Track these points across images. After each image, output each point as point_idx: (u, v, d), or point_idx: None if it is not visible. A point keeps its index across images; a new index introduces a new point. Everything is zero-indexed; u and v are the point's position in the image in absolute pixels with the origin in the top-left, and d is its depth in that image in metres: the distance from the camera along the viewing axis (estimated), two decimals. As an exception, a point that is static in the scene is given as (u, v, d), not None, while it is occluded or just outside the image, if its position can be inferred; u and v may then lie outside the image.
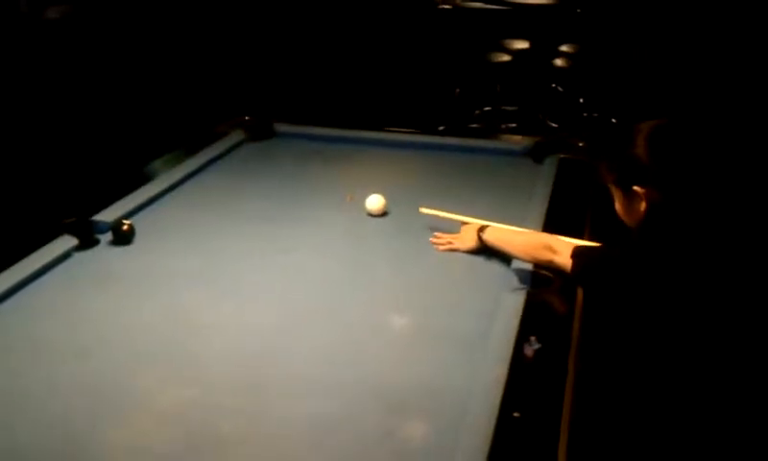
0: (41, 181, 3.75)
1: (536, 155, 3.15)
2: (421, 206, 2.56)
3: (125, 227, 2.43)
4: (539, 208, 2.57)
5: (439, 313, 2.08)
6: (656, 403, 1.71)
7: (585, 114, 4.96)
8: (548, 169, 2.96)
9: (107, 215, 2.51)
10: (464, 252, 2.37)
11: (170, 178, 2.88)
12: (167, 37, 4.84)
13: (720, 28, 4.57)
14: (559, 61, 5.23)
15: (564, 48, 5.25)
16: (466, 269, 2.31)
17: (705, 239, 1.72)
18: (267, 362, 1.86)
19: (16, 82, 4.03)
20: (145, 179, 2.86)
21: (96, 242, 2.40)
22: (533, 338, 1.82)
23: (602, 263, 1.87)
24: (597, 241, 2.04)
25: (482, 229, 2.34)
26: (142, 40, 4.72)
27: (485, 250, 2.33)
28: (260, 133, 3.44)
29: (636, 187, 1.74)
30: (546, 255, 2.05)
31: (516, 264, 2.19)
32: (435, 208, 2.53)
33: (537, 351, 1.79)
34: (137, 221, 2.50)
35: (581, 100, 5.03)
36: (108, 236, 2.42)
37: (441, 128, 3.76)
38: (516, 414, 1.58)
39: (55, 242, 2.32)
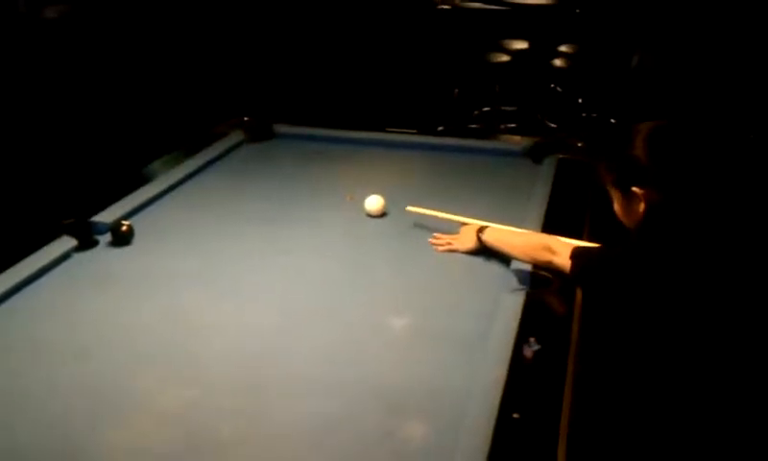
0: (40, 182, 3.75)
1: (535, 155, 3.16)
2: (410, 205, 2.57)
3: (124, 228, 2.43)
4: (538, 209, 2.57)
5: (438, 314, 2.08)
6: (655, 404, 1.72)
7: (584, 115, 4.96)
8: (547, 169, 2.97)
9: (106, 216, 2.51)
10: (463, 252, 2.37)
11: (169, 179, 2.88)
12: (166, 38, 4.84)
13: (718, 28, 4.57)
14: (558, 62, 5.24)
15: (563, 48, 5.25)
16: (465, 270, 2.31)
17: (703, 240, 1.72)
18: (267, 363, 1.86)
19: (15, 82, 4.02)
20: (144, 179, 2.86)
21: (95, 243, 2.40)
22: (532, 339, 1.82)
23: (601, 264, 1.88)
24: (596, 242, 2.04)
25: (481, 229, 2.35)
26: (141, 41, 4.71)
27: (484, 250, 2.33)
28: (260, 133, 3.44)
29: (634, 188, 1.74)
30: (545, 256, 2.06)
31: (515, 265, 2.20)
32: (435, 209, 2.53)
33: (536, 352, 1.79)
34: (136, 222, 2.50)
35: (580, 100, 5.03)
36: (107, 237, 2.42)
37: (440, 128, 3.77)
38: (515, 415, 1.58)
39: (54, 243, 2.32)
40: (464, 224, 2.44)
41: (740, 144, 4.09)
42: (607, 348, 1.85)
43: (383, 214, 2.64)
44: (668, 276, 1.70)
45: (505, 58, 5.25)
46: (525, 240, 2.19)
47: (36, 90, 4.12)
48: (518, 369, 1.73)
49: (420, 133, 3.49)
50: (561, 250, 2.01)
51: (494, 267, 2.28)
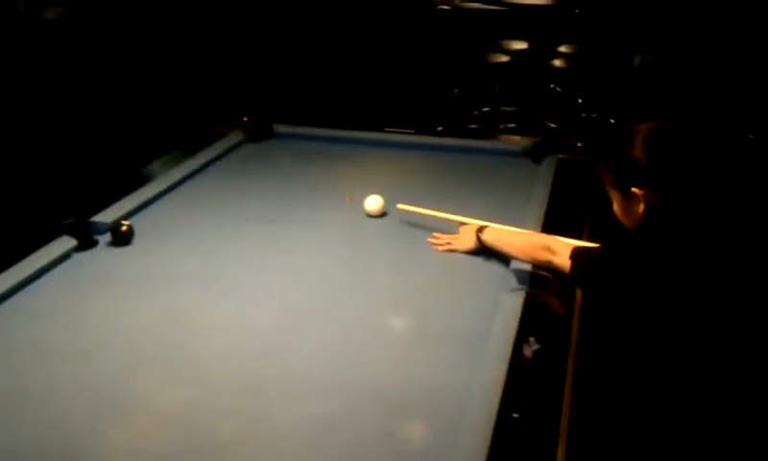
0: (40, 183, 3.75)
1: (534, 155, 3.16)
2: (401, 204, 2.58)
3: (124, 228, 2.43)
4: (537, 209, 2.57)
5: (438, 314, 2.08)
6: (655, 404, 1.72)
7: (583, 115, 4.97)
8: (547, 169, 2.97)
9: (105, 216, 2.51)
10: (462, 252, 2.37)
11: (169, 179, 2.88)
12: (165, 38, 4.84)
13: (717, 29, 4.58)
14: (557, 62, 5.24)
15: (562, 49, 5.26)
16: (464, 270, 2.31)
17: (703, 241, 1.72)
18: (267, 363, 1.86)
19: (14, 83, 4.02)
20: (144, 179, 2.86)
21: (95, 243, 2.40)
22: (532, 339, 1.82)
23: (601, 264, 1.88)
24: (596, 242, 2.05)
25: (481, 229, 2.35)
26: (140, 41, 4.72)
27: (484, 250, 2.34)
28: (259, 133, 3.44)
29: (634, 189, 1.74)
30: (545, 256, 2.06)
31: (514, 265, 2.20)
32: (434, 209, 2.54)
33: (536, 352, 1.79)
34: (136, 222, 2.50)
35: (579, 100, 5.03)
36: (106, 237, 2.42)
37: (439, 128, 3.77)
38: (515, 415, 1.58)
39: (54, 243, 2.32)
40: (461, 223, 2.44)
41: (740, 144, 4.09)
42: (606, 348, 1.85)
43: (382, 214, 2.64)
44: (667, 276, 1.70)
45: (504, 58, 5.25)
46: (525, 240, 2.19)
47: (35, 91, 4.12)
48: (518, 369, 1.73)
49: (420, 133, 3.49)
50: (560, 250, 2.01)
51: (494, 267, 2.28)
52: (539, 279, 2.10)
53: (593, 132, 4.55)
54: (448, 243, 2.41)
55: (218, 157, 3.18)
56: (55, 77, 4.23)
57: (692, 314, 1.69)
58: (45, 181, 3.76)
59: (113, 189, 2.71)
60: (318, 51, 5.33)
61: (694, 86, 4.52)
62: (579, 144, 3.23)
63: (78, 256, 2.33)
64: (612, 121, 4.74)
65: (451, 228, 2.47)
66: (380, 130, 3.50)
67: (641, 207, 1.75)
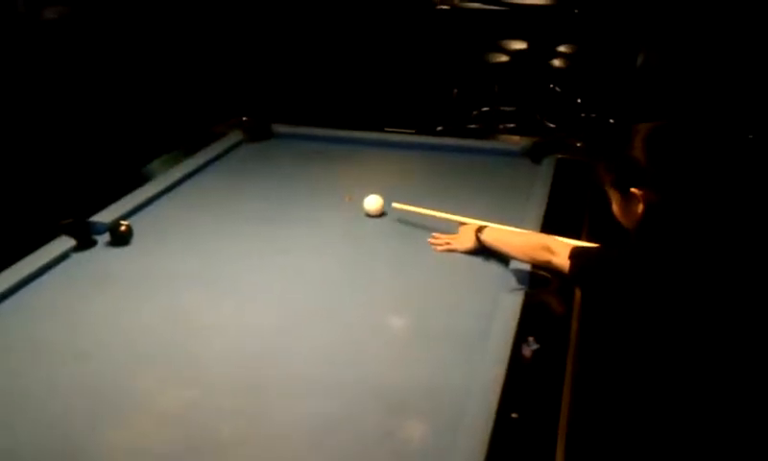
0: (39, 182, 3.74)
1: (534, 155, 3.16)
2: (396, 202, 2.59)
3: (122, 228, 2.43)
4: (536, 209, 2.57)
5: (437, 314, 2.08)
6: (654, 404, 1.72)
7: (582, 115, 4.97)
8: (546, 169, 2.97)
9: (104, 216, 2.51)
10: (462, 252, 2.38)
11: (168, 178, 2.88)
12: (165, 38, 4.84)
13: (717, 29, 4.58)
14: (556, 62, 5.24)
15: (561, 48, 5.26)
16: (464, 270, 2.32)
17: (702, 241, 1.72)
18: (267, 363, 1.86)
19: (14, 82, 4.02)
20: (143, 179, 2.86)
21: (94, 243, 2.40)
22: (531, 339, 1.83)
23: (600, 264, 1.88)
24: (595, 242, 2.05)
25: (480, 229, 2.35)
26: (140, 41, 4.72)
27: (483, 250, 2.34)
28: (258, 133, 3.44)
29: (633, 189, 1.74)
30: (544, 256, 2.06)
31: (514, 265, 2.20)
32: (434, 209, 2.54)
33: (535, 352, 1.79)
34: (135, 222, 2.50)
35: (579, 100, 5.03)
36: (105, 237, 2.42)
37: (439, 128, 3.77)
38: (514, 415, 1.58)
39: (52, 243, 2.31)
40: (461, 223, 2.45)
41: (740, 144, 4.10)
42: (605, 347, 1.85)
43: (382, 214, 2.65)
44: (667, 276, 1.71)
45: (504, 58, 5.25)
46: (524, 240, 2.20)
47: (35, 91, 4.12)
48: (517, 368, 1.73)
49: (419, 132, 3.49)
50: (559, 250, 2.01)
51: (493, 267, 2.29)
52: (538, 278, 2.11)
53: (593, 132, 4.55)
54: (448, 243, 2.42)
55: (217, 157, 3.18)
56: (54, 77, 4.23)
57: (691, 314, 1.69)
58: (44, 181, 3.76)
59: (112, 189, 2.71)
60: (317, 51, 5.33)
61: (694, 86, 4.52)
62: (578, 144, 3.23)
63: (77, 256, 2.33)
64: (612, 121, 4.74)
65: (451, 227, 2.47)
66: (380, 130, 3.51)
67: (640, 208, 1.75)
